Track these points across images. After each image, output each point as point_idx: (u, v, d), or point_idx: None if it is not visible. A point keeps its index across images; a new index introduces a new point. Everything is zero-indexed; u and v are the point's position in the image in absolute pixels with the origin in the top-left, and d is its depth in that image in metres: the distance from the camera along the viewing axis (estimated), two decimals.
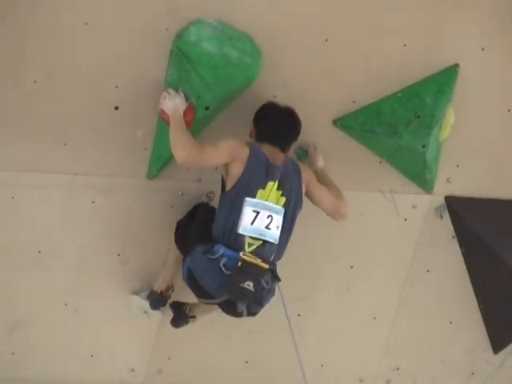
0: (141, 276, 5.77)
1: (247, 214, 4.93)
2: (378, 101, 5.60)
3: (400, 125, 5.49)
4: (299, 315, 6.03)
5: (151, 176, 5.54)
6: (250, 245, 4.95)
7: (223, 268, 4.86)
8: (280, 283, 5.15)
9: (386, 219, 5.97)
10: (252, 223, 4.93)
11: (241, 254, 4.90)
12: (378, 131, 5.57)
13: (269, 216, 4.96)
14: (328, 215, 5.30)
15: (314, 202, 5.23)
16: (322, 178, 5.36)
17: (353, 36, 5.47)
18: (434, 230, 6.07)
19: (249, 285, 4.85)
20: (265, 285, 4.95)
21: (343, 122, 5.66)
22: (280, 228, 5.01)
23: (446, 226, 6.07)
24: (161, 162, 5.47)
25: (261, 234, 4.95)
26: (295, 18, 5.36)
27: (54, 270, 5.65)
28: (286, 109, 5.22)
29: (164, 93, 5.11)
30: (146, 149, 5.46)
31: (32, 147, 5.33)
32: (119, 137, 5.42)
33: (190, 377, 6.16)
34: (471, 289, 6.24)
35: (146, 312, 5.78)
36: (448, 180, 5.95)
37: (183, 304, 5.68)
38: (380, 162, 5.82)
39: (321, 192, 5.21)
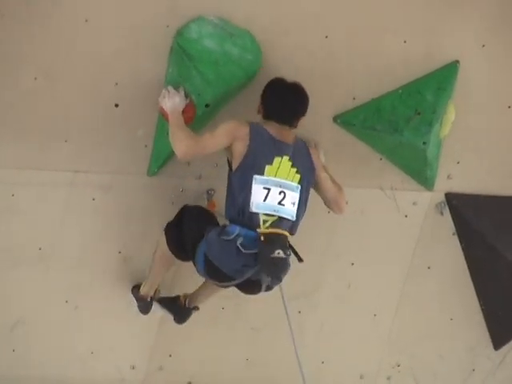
0: (141, 273, 5.75)
1: (258, 191, 4.89)
2: (378, 97, 5.60)
3: (400, 122, 5.48)
4: (300, 312, 6.04)
5: (152, 173, 5.53)
6: (264, 221, 4.91)
7: (241, 247, 4.82)
8: None
9: (387, 216, 5.97)
10: (264, 200, 4.90)
11: (258, 231, 4.87)
12: (378, 128, 5.56)
13: (281, 192, 4.93)
14: (326, 204, 5.27)
15: (316, 188, 5.21)
16: None
17: (353, 33, 5.47)
18: (435, 226, 6.07)
19: (279, 253, 4.83)
20: (288, 252, 4.93)
21: (344, 119, 5.65)
22: (297, 205, 4.99)
23: (447, 222, 6.07)
24: (161, 159, 5.46)
25: (274, 211, 4.92)
26: (295, 14, 5.36)
27: (55, 267, 5.65)
28: (293, 84, 5.14)
29: (164, 91, 5.11)
30: (146, 146, 5.46)
31: (32, 145, 5.33)
32: (119, 134, 5.41)
33: (190, 374, 6.16)
34: (472, 285, 6.25)
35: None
36: (448, 177, 5.95)
37: (178, 298, 5.67)
38: (380, 159, 5.82)
39: (327, 180, 5.19)
